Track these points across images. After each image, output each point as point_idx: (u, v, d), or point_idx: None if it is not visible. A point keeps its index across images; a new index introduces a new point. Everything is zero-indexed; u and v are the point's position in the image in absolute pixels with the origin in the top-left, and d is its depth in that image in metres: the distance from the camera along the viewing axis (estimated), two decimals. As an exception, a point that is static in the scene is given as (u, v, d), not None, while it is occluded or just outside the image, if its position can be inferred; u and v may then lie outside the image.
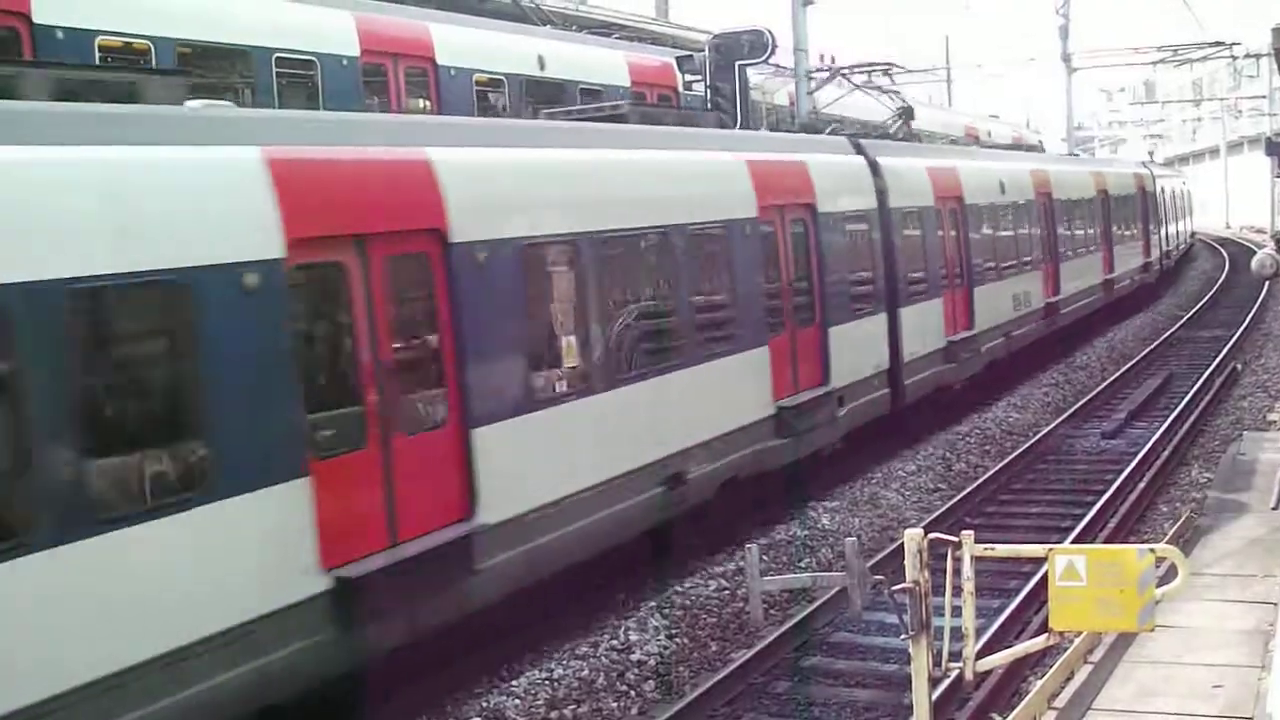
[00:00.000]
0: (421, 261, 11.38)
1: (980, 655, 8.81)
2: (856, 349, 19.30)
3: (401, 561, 10.54)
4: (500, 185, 12.53)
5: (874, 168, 21.00)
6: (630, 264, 14.59)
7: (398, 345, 11.03)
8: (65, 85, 9.81)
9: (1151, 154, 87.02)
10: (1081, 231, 35.00)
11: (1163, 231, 48.58)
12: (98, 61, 14.63)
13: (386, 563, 10.43)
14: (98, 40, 14.80)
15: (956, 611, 8.23)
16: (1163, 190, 49.74)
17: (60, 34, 14.39)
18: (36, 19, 14.07)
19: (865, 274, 20.21)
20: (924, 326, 22.23)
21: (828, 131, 22.79)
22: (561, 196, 13.40)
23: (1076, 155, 51.28)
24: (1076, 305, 33.34)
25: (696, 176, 16.12)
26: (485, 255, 11.82)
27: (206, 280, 9.18)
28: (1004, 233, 27.80)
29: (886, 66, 28.61)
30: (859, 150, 21.26)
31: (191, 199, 9.38)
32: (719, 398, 15.60)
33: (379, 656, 10.60)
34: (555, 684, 11.93)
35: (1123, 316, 38.65)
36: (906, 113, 28.40)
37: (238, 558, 9.32)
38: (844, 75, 28.82)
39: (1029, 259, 29.25)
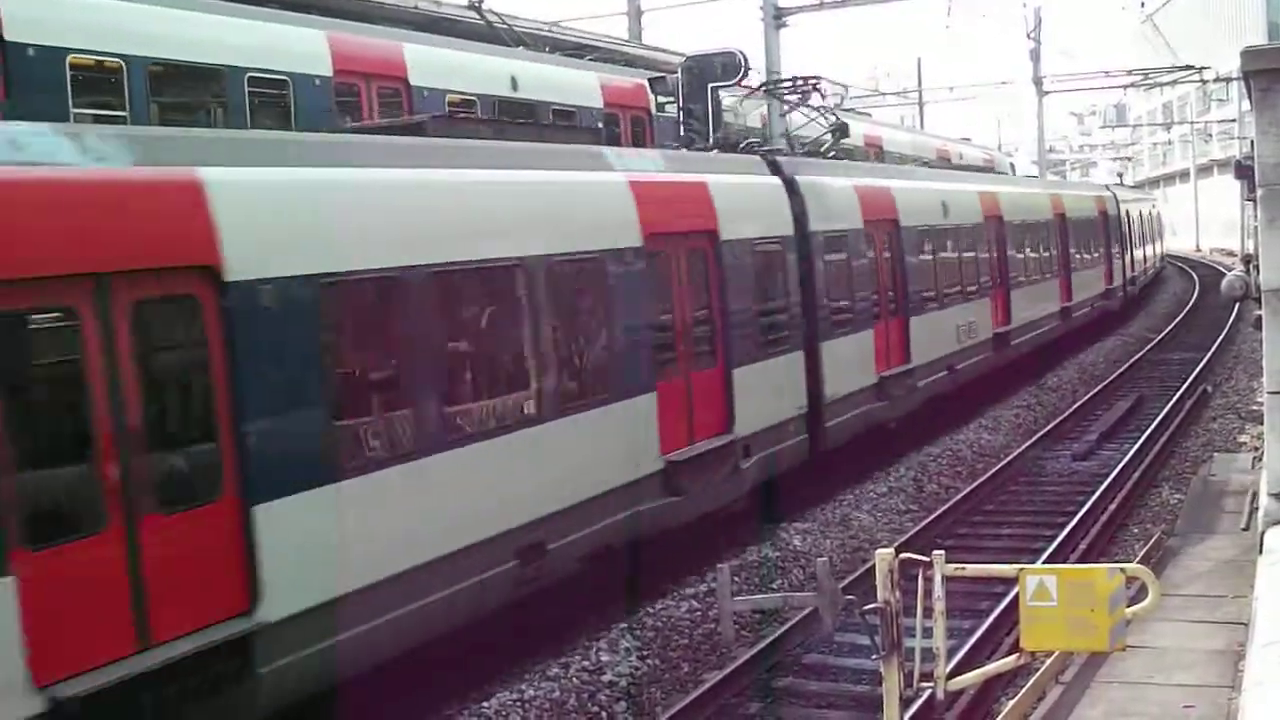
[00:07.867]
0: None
1: (952, 675, 8.83)
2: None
3: (698, 455, 15.59)
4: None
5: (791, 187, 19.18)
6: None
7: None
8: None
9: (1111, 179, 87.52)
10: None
11: None
12: (68, 79, 14.61)
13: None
14: (69, 59, 14.74)
15: (928, 632, 8.24)
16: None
17: (31, 52, 14.34)
18: (8, 37, 14.01)
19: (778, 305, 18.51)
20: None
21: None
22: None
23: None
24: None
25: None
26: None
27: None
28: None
29: (816, 80, 26.06)
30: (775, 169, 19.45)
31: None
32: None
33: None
34: (526, 705, 11.88)
35: (1092, 340, 38.65)
36: (840, 129, 25.46)
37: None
38: (770, 92, 27.87)
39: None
